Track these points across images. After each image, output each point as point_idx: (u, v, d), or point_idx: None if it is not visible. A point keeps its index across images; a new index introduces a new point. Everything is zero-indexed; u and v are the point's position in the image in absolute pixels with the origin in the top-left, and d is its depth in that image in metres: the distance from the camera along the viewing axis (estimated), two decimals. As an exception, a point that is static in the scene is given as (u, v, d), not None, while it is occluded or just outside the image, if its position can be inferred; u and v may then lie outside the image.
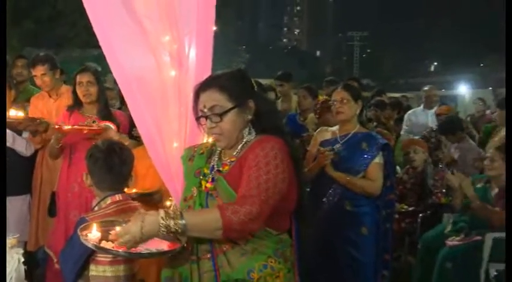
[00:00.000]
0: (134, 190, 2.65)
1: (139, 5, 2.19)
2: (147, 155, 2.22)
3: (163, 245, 1.69)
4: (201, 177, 1.81)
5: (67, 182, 3.26)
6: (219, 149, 1.85)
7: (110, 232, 1.68)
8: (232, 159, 1.78)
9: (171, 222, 1.56)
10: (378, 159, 2.94)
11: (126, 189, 2.28)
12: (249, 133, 1.79)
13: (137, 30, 2.19)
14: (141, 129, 2.23)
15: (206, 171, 1.83)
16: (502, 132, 4.69)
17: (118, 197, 2.13)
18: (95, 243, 1.66)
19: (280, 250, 1.76)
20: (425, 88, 6.74)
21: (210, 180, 1.78)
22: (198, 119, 1.81)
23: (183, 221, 1.57)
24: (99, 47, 2.18)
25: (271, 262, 1.71)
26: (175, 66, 2.18)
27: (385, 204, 3.01)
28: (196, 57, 2.13)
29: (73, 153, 3.27)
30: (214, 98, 1.74)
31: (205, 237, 1.66)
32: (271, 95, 4.82)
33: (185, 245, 1.71)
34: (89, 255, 2.00)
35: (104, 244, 1.66)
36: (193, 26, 2.11)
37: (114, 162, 2.10)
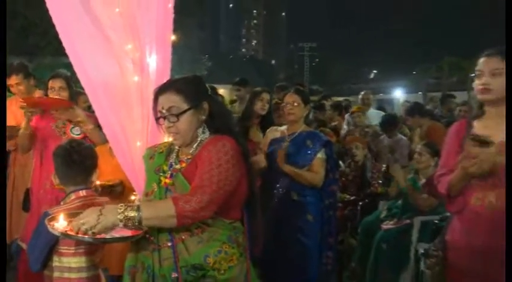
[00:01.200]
0: (98, 182, 2.60)
1: (103, 16, 2.16)
2: (109, 155, 2.18)
3: (127, 232, 1.67)
4: (161, 173, 1.80)
5: (39, 180, 3.17)
6: (177, 147, 1.85)
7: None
8: (189, 157, 1.78)
9: (129, 213, 1.56)
10: (321, 155, 3.00)
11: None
12: (203, 132, 1.80)
13: (102, 39, 2.16)
14: (107, 130, 2.20)
15: (165, 168, 1.82)
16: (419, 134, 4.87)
17: (82, 192, 2.08)
18: (62, 231, 1.63)
19: (233, 237, 1.77)
20: (362, 93, 6.96)
21: (168, 176, 1.78)
22: (157, 119, 1.80)
23: (140, 212, 1.57)
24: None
25: (225, 248, 1.72)
26: (138, 72, 2.16)
27: (328, 194, 3.05)
28: (156, 63, 2.12)
29: (44, 151, 3.19)
30: (172, 100, 1.74)
31: (161, 225, 1.66)
32: None
33: (147, 232, 1.70)
34: (53, 246, 1.96)
35: (70, 232, 1.63)
36: (153, 35, 2.10)
37: (74, 159, 2.05)
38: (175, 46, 2.24)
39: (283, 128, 3.17)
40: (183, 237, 1.70)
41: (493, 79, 1.97)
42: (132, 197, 2.38)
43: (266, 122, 3.74)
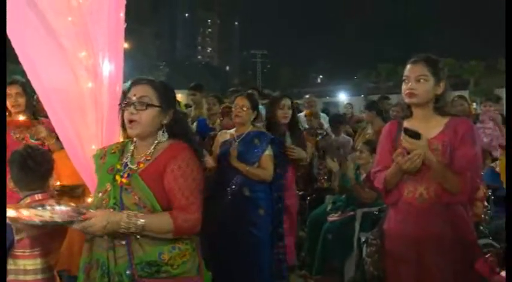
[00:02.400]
0: (58, 183, 2.50)
1: (56, 25, 2.09)
2: (66, 159, 2.11)
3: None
4: (115, 173, 1.75)
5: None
6: (131, 147, 1.80)
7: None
8: (147, 158, 1.74)
9: (132, 225, 1.58)
10: (268, 151, 3.03)
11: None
12: (163, 135, 1.77)
13: (56, 47, 2.10)
14: (61, 135, 2.13)
15: (119, 167, 1.76)
16: (369, 130, 5.00)
17: (38, 196, 1.99)
18: (13, 216, 1.60)
19: None
20: (306, 96, 7.03)
21: (125, 176, 1.73)
22: (122, 106, 1.75)
23: (142, 222, 1.59)
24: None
25: (179, 244, 1.69)
26: (92, 79, 2.10)
27: (277, 188, 3.09)
28: (109, 70, 2.07)
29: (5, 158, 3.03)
30: (146, 91, 1.73)
31: (154, 236, 1.65)
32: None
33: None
34: (7, 249, 1.86)
35: (19, 215, 1.60)
36: (105, 43, 2.05)
37: (28, 164, 1.96)
38: (133, 54, 2.21)
39: (232, 130, 3.20)
40: (138, 236, 1.66)
41: (418, 84, 2.04)
42: (89, 199, 2.31)
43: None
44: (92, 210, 1.63)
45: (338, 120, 5.55)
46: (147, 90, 1.72)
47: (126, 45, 2.11)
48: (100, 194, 1.74)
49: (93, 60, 2.09)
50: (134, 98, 1.71)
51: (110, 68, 2.06)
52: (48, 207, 1.63)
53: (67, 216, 1.60)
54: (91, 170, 2.07)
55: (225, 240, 2.89)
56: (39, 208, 1.63)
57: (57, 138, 2.92)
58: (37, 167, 1.98)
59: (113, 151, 1.84)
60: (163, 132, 1.76)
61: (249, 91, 4.93)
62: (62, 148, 2.63)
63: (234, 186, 3.00)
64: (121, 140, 2.25)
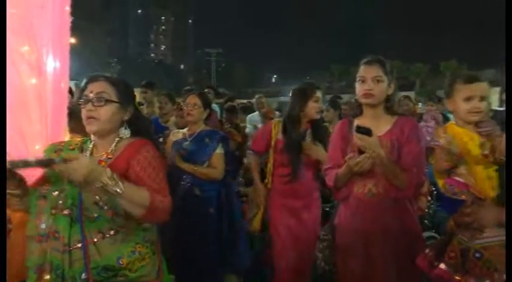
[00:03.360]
0: None
1: (-3, 16, 1.96)
2: None
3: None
4: None
5: None
6: (90, 145, 1.73)
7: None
8: (109, 156, 1.67)
9: (112, 183, 1.45)
10: (219, 150, 3.03)
11: None
12: (125, 132, 1.72)
13: (-5, 40, 1.96)
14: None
15: None
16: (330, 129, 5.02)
17: None
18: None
19: (147, 237, 1.70)
20: (256, 96, 7.04)
21: None
22: (79, 104, 1.69)
23: (121, 185, 1.46)
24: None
25: (139, 248, 1.64)
26: (35, 75, 1.99)
27: (227, 185, 3.11)
28: (54, 66, 1.97)
29: None
30: (104, 87, 1.67)
31: (124, 207, 1.52)
32: None
33: (57, 230, 1.58)
34: None
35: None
36: (50, 37, 1.95)
37: None
38: (82, 51, 2.11)
39: (185, 129, 3.17)
40: (95, 239, 1.58)
41: (375, 85, 2.11)
42: None
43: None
44: (59, 225, 1.55)
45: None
46: (105, 87, 1.67)
47: (74, 41, 2.02)
48: (56, 193, 1.64)
49: (36, 55, 1.98)
50: (92, 95, 1.65)
51: (54, 64, 1.96)
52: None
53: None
54: (34, 170, 1.98)
55: (175, 239, 2.86)
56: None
57: None
58: None
59: (71, 147, 1.75)
60: (125, 128, 1.71)
61: (206, 90, 4.89)
62: None
63: (184, 186, 2.97)
64: (66, 139, 2.16)
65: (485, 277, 1.76)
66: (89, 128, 1.67)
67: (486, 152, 1.84)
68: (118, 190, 1.46)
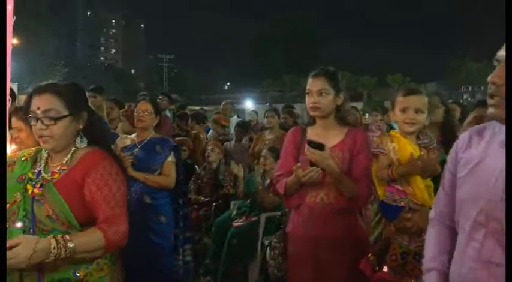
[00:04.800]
0: None
1: None
2: None
3: None
4: (27, 182, 1.58)
5: None
6: (45, 155, 1.64)
7: None
8: (63, 168, 1.59)
9: (62, 250, 1.40)
10: (171, 158, 2.99)
11: None
12: (81, 141, 1.64)
13: None
14: None
15: (31, 176, 1.60)
16: (268, 136, 5.06)
17: None
18: None
19: None
20: (223, 103, 7.07)
21: (38, 186, 1.57)
22: (27, 118, 1.60)
23: (72, 245, 1.42)
24: None
25: (97, 258, 1.58)
26: (-27, 76, 1.86)
27: (180, 194, 3.06)
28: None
29: None
30: (51, 102, 1.56)
31: (87, 256, 1.50)
32: None
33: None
34: None
35: None
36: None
37: None
38: (27, 52, 2.00)
39: (133, 135, 3.09)
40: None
41: (320, 98, 2.15)
42: None
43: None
44: (13, 237, 1.43)
45: (244, 127, 5.65)
46: (52, 100, 1.56)
47: (16, 41, 1.91)
48: (8, 205, 1.54)
49: (-26, 56, 1.86)
50: (39, 112, 1.55)
51: (-5, 65, 1.84)
52: None
53: None
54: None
55: (127, 248, 2.76)
56: None
57: None
58: None
59: (24, 158, 1.66)
60: (81, 138, 1.64)
61: (160, 97, 4.80)
62: None
63: (134, 194, 2.89)
64: (8, 145, 2.04)
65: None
66: (44, 146, 1.60)
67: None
68: (71, 251, 1.43)
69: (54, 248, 1.40)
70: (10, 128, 2.22)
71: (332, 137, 2.18)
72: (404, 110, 2.07)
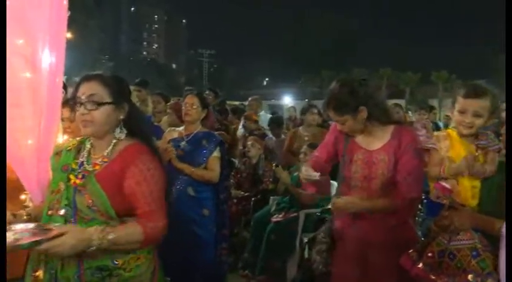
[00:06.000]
0: None
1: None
2: None
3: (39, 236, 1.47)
4: (70, 172, 1.63)
5: None
6: (88, 146, 1.69)
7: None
8: (105, 160, 1.63)
9: (103, 241, 1.46)
10: (216, 153, 3.01)
11: None
12: (120, 132, 1.67)
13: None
14: (-6, 127, 1.94)
15: (74, 166, 1.65)
16: (305, 132, 4.99)
17: None
18: None
19: None
20: (249, 99, 7.05)
21: (80, 176, 1.62)
22: (73, 105, 1.68)
23: (112, 237, 1.48)
24: None
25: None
26: (30, 69, 1.94)
27: (222, 190, 3.08)
28: (50, 60, 1.92)
29: None
30: (95, 89, 1.61)
31: (124, 248, 1.55)
32: None
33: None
34: None
35: None
36: (46, 31, 1.91)
37: None
38: (75, 46, 2.06)
39: (181, 128, 3.13)
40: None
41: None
42: (23, 196, 2.15)
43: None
44: (56, 227, 1.48)
45: (278, 122, 5.64)
46: (97, 87, 1.61)
47: (69, 35, 1.98)
48: (52, 194, 1.62)
49: (31, 49, 1.93)
50: (84, 97, 1.60)
51: (50, 58, 1.91)
52: (9, 227, 1.47)
53: (32, 234, 1.44)
54: (26, 166, 1.93)
55: (168, 239, 2.82)
56: None
57: None
58: None
59: (69, 148, 1.71)
60: (120, 128, 1.67)
61: (206, 92, 4.85)
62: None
63: (178, 186, 2.94)
64: (60, 135, 2.12)
65: (456, 277, 1.84)
66: (84, 131, 1.64)
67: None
68: (110, 243, 1.48)
69: (95, 239, 1.46)
70: (62, 119, 2.32)
71: (377, 139, 2.11)
72: (462, 112, 2.00)
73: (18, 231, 1.46)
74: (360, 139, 2.14)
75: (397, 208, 2.04)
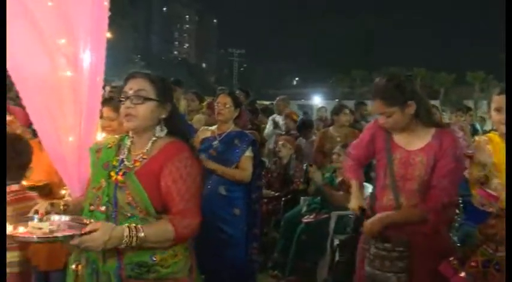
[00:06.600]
0: (24, 183, 2.39)
1: (36, 9, 1.97)
2: (37, 150, 2.02)
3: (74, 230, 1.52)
4: (110, 169, 1.67)
5: None
6: (128, 143, 1.72)
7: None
8: (144, 157, 1.66)
9: (133, 239, 1.49)
10: (248, 153, 3.00)
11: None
12: (161, 130, 1.70)
13: (34, 32, 1.98)
14: (37, 125, 2.02)
15: (115, 163, 1.68)
16: (336, 133, 4.92)
17: (14, 187, 1.93)
18: (12, 234, 1.46)
19: None
20: (277, 98, 7.01)
21: (121, 173, 1.65)
22: (120, 100, 1.69)
23: (143, 235, 1.50)
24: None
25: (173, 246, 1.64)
26: (71, 68, 2.00)
27: (255, 189, 3.07)
28: (91, 59, 1.97)
29: None
30: (142, 85, 1.65)
31: (154, 246, 1.57)
32: None
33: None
34: None
35: (19, 235, 1.47)
36: (87, 30, 1.96)
37: (9, 155, 1.88)
38: (111, 45, 2.11)
39: (214, 127, 3.14)
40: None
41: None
42: (63, 191, 2.22)
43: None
44: (91, 222, 1.52)
45: (308, 124, 5.61)
46: (144, 84, 1.65)
47: (109, 35, 2.03)
48: (94, 190, 1.66)
49: (73, 48, 1.99)
50: (131, 92, 1.64)
51: (91, 57, 1.97)
52: (47, 217, 1.52)
53: (67, 227, 1.50)
54: (67, 163, 1.99)
55: (199, 237, 2.85)
56: (35, 219, 1.50)
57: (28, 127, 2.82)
58: (17, 157, 1.90)
59: (109, 146, 1.75)
60: (161, 127, 1.70)
61: (237, 92, 4.87)
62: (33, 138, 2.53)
63: (209, 185, 2.96)
64: (99, 133, 2.17)
65: None
66: (127, 124, 1.66)
67: None
68: (141, 240, 1.50)
69: (126, 236, 1.48)
70: (101, 117, 2.38)
71: (417, 139, 2.05)
72: (499, 110, 1.90)
73: (55, 223, 1.51)
74: (398, 138, 2.08)
75: (429, 215, 1.97)
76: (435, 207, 1.97)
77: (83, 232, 1.45)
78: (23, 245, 1.85)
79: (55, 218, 1.55)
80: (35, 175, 2.51)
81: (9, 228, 1.48)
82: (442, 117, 6.96)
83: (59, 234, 1.45)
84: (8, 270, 1.81)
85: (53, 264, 2.33)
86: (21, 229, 1.48)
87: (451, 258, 1.92)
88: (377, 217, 2.05)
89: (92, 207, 1.63)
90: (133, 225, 1.51)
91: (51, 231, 1.46)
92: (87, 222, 1.51)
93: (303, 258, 3.75)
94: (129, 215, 1.59)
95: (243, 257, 3.00)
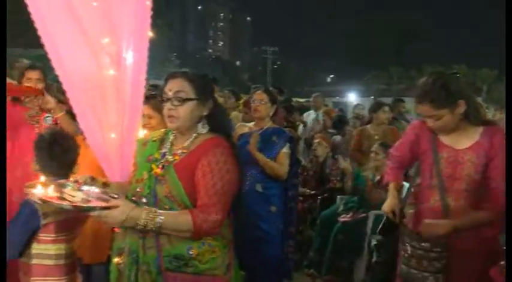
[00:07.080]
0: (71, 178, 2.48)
1: (80, 8, 2.03)
2: (82, 146, 2.09)
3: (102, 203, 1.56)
4: (153, 162, 1.72)
5: (10, 167, 2.99)
6: (171, 137, 1.77)
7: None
8: (184, 151, 1.70)
9: (149, 223, 1.52)
10: (286, 149, 3.01)
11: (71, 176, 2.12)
12: (203, 127, 1.73)
13: (79, 31, 2.04)
14: (82, 122, 2.07)
15: (158, 156, 1.74)
16: (372, 131, 4.82)
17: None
18: (40, 196, 1.54)
19: (219, 230, 1.70)
20: (313, 95, 7.02)
21: (160, 166, 1.70)
22: (161, 101, 1.75)
23: (160, 220, 1.53)
24: (40, 47, 2.01)
25: (209, 240, 1.65)
26: (114, 66, 2.04)
27: (291, 187, 3.08)
28: (134, 59, 2.00)
29: (16, 139, 3.05)
30: (181, 85, 1.69)
31: (174, 235, 1.60)
32: None
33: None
34: (33, 233, 1.85)
35: (46, 197, 1.54)
36: (131, 30, 1.99)
37: (56, 151, 1.96)
38: (152, 44, 2.14)
39: (251, 124, 3.16)
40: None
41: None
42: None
43: None
44: (115, 199, 1.56)
45: (343, 121, 5.57)
46: (183, 84, 1.69)
47: (151, 34, 2.07)
48: (136, 182, 1.72)
49: (116, 47, 2.03)
50: (170, 93, 1.68)
51: (134, 56, 2.00)
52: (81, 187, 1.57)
53: (96, 198, 1.54)
54: (110, 159, 2.04)
55: (236, 233, 2.86)
56: (69, 187, 1.56)
57: (70, 115, 2.93)
58: (64, 154, 1.97)
59: (154, 139, 1.81)
60: (203, 124, 1.72)
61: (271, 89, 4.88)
62: (76, 131, 2.61)
63: (246, 182, 2.96)
64: (141, 130, 2.21)
65: None
66: (170, 125, 1.71)
67: None
68: (158, 225, 1.52)
69: (143, 218, 1.51)
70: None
71: (465, 137, 1.98)
72: None
73: (87, 194, 1.55)
74: (445, 137, 2.02)
75: (497, 217, 1.89)
76: (502, 209, 1.87)
77: (104, 206, 1.49)
78: (70, 237, 1.91)
79: (87, 188, 1.59)
80: (81, 171, 2.61)
81: (41, 190, 1.54)
82: (486, 115, 6.71)
83: (84, 205, 1.50)
84: (55, 262, 1.88)
85: (96, 257, 2.41)
86: (50, 191, 1.54)
87: (502, 263, 1.84)
88: (449, 222, 1.95)
89: (134, 199, 1.68)
90: (154, 209, 1.55)
91: (85, 201, 1.51)
92: (114, 197, 1.55)
93: (339, 258, 3.73)
94: (167, 207, 1.62)
95: (278, 255, 3.00)
